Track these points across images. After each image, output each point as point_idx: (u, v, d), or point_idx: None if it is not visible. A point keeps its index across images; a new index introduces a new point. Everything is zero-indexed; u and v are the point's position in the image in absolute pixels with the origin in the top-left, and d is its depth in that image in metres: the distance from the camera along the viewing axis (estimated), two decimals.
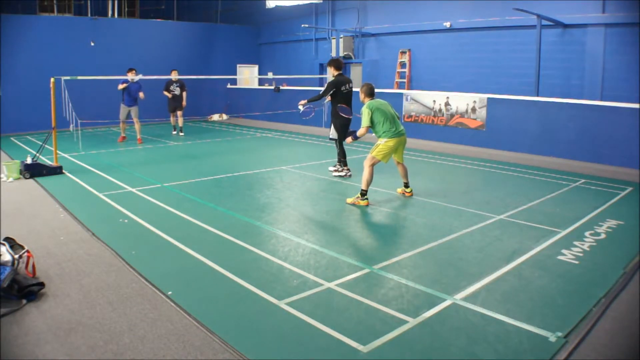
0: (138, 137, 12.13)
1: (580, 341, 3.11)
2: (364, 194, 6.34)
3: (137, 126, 12.11)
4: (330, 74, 8.12)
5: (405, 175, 6.74)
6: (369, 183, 6.33)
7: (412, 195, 6.76)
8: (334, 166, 8.39)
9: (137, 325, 3.29)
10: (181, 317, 3.40)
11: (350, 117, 7.59)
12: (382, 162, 6.47)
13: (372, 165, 6.36)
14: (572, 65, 11.42)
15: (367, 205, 6.29)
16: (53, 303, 3.60)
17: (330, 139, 8.29)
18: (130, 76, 11.83)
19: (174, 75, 13.25)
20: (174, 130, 13.88)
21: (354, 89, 8.11)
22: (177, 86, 13.33)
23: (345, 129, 7.88)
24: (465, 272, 4.24)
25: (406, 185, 6.79)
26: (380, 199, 6.67)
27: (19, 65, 14.25)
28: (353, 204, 6.34)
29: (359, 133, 6.49)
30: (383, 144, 6.35)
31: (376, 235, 5.28)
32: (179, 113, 13.58)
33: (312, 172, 8.44)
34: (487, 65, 12.96)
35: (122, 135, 12.41)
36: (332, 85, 7.84)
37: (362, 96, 6.69)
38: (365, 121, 6.36)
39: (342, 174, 8.08)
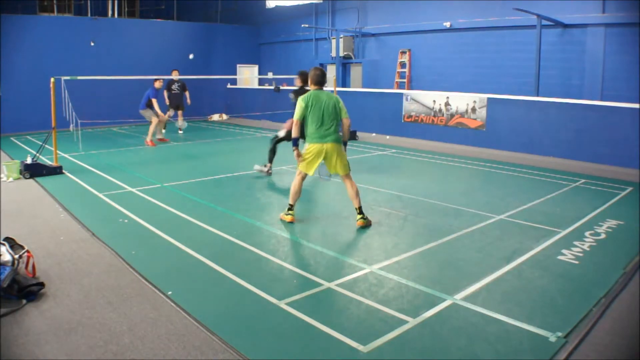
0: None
1: (580, 341, 3.11)
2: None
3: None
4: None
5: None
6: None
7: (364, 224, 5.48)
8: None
9: (137, 325, 3.29)
10: (181, 317, 3.40)
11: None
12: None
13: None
14: (572, 65, 11.42)
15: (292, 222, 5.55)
16: (53, 303, 3.60)
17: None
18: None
19: (175, 75, 13.35)
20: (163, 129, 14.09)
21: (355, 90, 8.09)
22: (178, 86, 13.48)
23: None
24: (465, 272, 4.24)
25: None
26: (380, 199, 6.67)
27: (19, 65, 14.24)
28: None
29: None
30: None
31: (376, 235, 5.28)
32: (179, 112, 13.71)
33: None
34: (487, 65, 12.96)
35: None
36: None
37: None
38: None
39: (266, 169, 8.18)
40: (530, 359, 2.94)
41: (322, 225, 5.58)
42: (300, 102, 5.37)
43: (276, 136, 8.15)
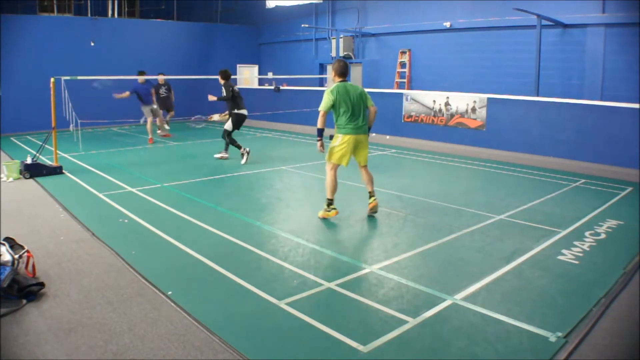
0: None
1: (580, 341, 3.11)
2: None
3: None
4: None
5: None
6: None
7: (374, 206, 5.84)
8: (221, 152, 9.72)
9: (137, 325, 3.29)
10: (181, 317, 3.40)
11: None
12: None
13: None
14: (572, 65, 11.41)
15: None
16: (53, 303, 3.60)
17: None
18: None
19: (161, 79, 13.29)
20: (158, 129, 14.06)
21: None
22: (165, 89, 13.43)
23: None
24: (465, 272, 4.24)
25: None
26: (380, 199, 6.66)
27: (19, 65, 14.23)
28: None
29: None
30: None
31: (376, 235, 5.28)
32: (171, 113, 13.69)
33: (311, 172, 8.43)
34: (487, 65, 12.96)
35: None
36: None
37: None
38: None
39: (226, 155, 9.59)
40: (530, 359, 2.94)
41: (322, 225, 5.58)
42: (328, 95, 5.52)
43: (225, 131, 9.30)
